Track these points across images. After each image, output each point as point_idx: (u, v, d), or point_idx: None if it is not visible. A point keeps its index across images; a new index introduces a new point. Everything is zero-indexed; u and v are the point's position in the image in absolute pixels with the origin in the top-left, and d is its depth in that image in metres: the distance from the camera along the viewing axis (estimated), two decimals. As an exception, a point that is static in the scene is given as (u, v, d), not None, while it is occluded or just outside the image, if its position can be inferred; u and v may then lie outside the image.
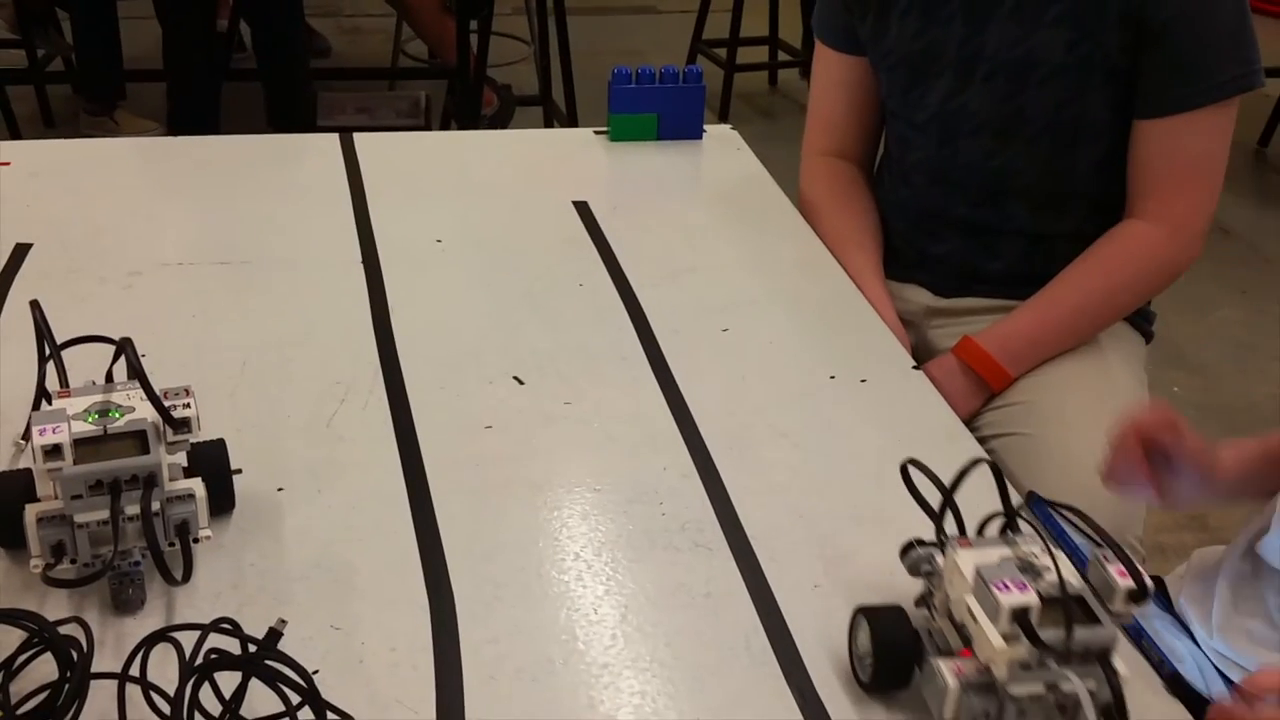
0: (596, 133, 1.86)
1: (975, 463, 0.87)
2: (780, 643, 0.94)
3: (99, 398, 0.94)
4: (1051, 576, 0.78)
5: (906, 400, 1.26)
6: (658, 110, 1.81)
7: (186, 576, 0.93)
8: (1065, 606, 0.77)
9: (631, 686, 0.89)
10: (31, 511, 0.91)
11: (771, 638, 0.94)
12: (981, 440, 1.29)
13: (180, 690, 0.77)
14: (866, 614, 0.88)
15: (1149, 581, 0.79)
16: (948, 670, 0.80)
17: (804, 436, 1.19)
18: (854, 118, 1.67)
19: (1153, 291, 1.53)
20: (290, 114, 3.54)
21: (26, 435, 1.06)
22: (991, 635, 0.78)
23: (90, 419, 0.91)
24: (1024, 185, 1.52)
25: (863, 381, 1.27)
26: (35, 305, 1.04)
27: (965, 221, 1.56)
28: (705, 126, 1.85)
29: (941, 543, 0.86)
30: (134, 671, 0.81)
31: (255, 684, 0.79)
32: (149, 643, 0.82)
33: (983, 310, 1.57)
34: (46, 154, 1.76)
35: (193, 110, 3.48)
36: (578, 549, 1.03)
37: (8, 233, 1.47)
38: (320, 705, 0.78)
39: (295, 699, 0.78)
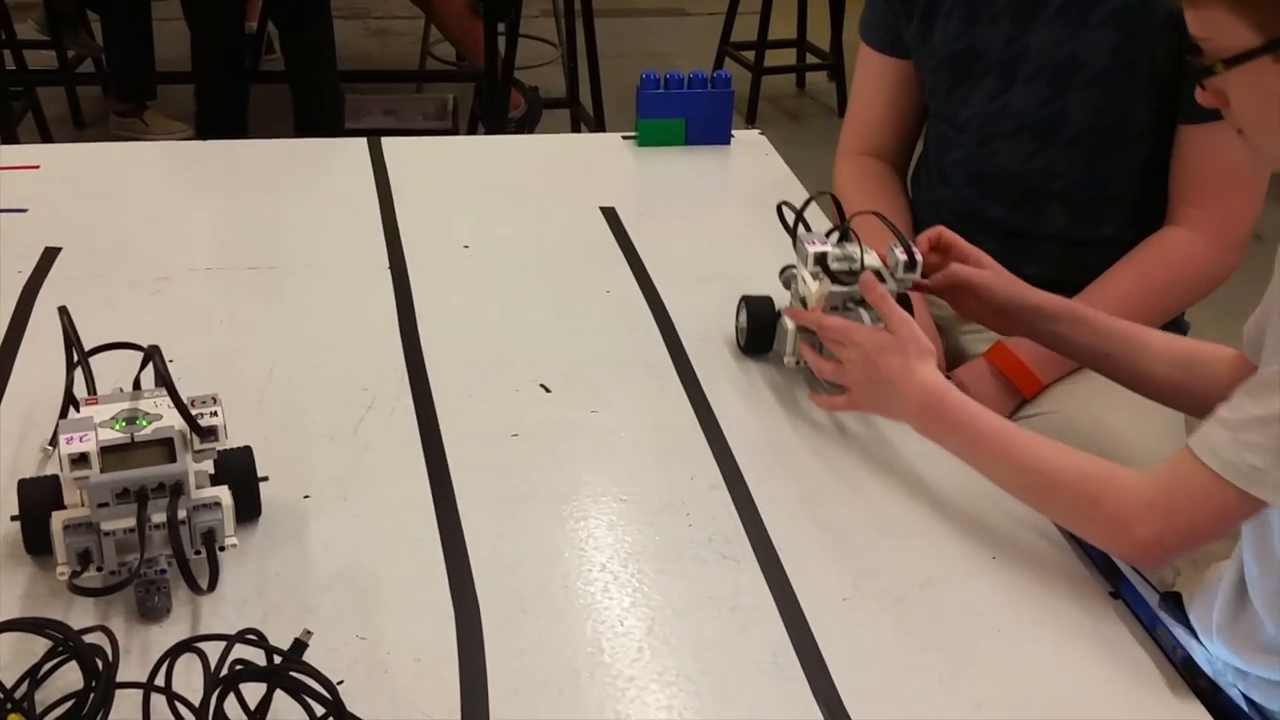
0: (624, 138, 1.85)
1: (820, 194, 1.31)
2: (808, 657, 0.93)
3: (126, 405, 0.94)
4: (870, 261, 1.20)
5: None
6: (686, 115, 1.80)
7: (212, 585, 0.93)
8: (862, 271, 1.18)
9: (658, 700, 0.89)
10: (58, 519, 0.91)
11: (799, 652, 0.93)
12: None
13: (205, 701, 0.77)
14: (745, 300, 1.31)
15: (919, 256, 1.19)
16: (789, 321, 1.23)
17: (832, 447, 1.18)
18: (892, 119, 1.66)
19: (1190, 300, 1.51)
20: (318, 116, 3.54)
21: (54, 441, 1.06)
22: (807, 279, 1.22)
23: (118, 426, 0.91)
24: (1062, 188, 1.51)
25: (892, 391, 1.26)
26: (63, 312, 1.04)
27: (1002, 224, 1.55)
28: (733, 131, 1.84)
29: (795, 246, 1.24)
30: (159, 681, 0.81)
31: (280, 694, 0.79)
32: (174, 653, 0.82)
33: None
34: (75, 158, 1.77)
35: (221, 113, 3.48)
36: (604, 560, 1.02)
37: (37, 236, 1.48)
38: (344, 717, 0.78)
39: (320, 710, 0.78)
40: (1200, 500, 0.93)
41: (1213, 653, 1.04)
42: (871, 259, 1.20)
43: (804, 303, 1.23)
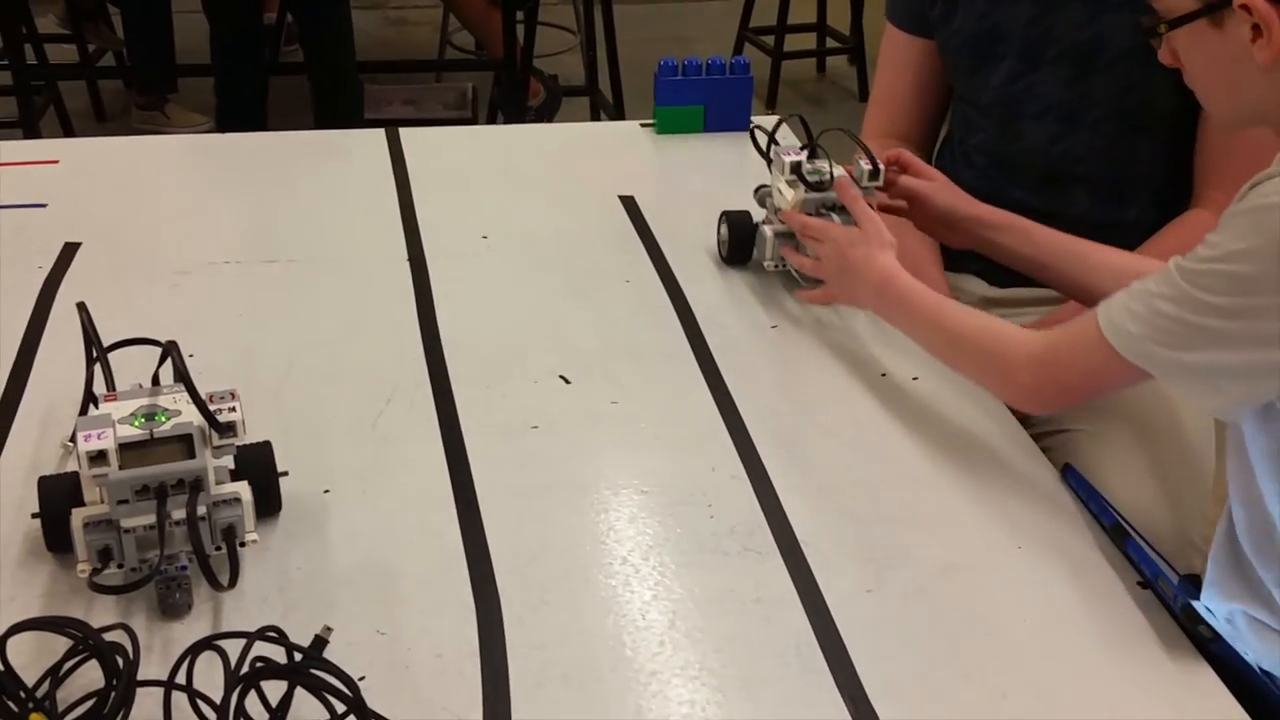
0: (643, 125, 1.84)
1: (790, 115, 1.50)
2: (832, 650, 0.92)
3: (145, 401, 0.94)
4: (838, 172, 1.34)
5: (959, 397, 1.23)
6: (704, 102, 1.79)
7: (233, 581, 0.93)
8: (832, 179, 1.33)
9: (680, 694, 0.88)
10: (78, 516, 0.91)
11: (823, 645, 0.92)
12: (1037, 436, 1.26)
13: (226, 699, 0.77)
14: (726, 214, 1.45)
15: (881, 165, 1.33)
16: (768, 229, 1.39)
17: (855, 436, 1.17)
18: (916, 100, 1.66)
19: (1216, 284, 1.49)
20: (337, 107, 3.54)
21: (74, 437, 1.06)
22: (782, 186, 1.36)
23: (136, 423, 0.91)
24: (1086, 171, 1.49)
25: (915, 379, 1.25)
26: (82, 307, 1.04)
27: (1025, 206, 1.53)
28: (753, 117, 1.83)
29: (769, 165, 1.41)
30: (180, 679, 0.81)
31: (302, 692, 0.79)
32: (195, 651, 0.81)
33: (1038, 301, 1.54)
34: (94, 152, 1.76)
35: (240, 105, 3.48)
36: (625, 552, 1.01)
37: (57, 232, 1.48)
38: (365, 714, 0.78)
39: (341, 708, 0.78)
40: (1077, 354, 1.03)
41: (1207, 604, 1.03)
42: (839, 170, 1.34)
43: (777, 217, 1.39)
